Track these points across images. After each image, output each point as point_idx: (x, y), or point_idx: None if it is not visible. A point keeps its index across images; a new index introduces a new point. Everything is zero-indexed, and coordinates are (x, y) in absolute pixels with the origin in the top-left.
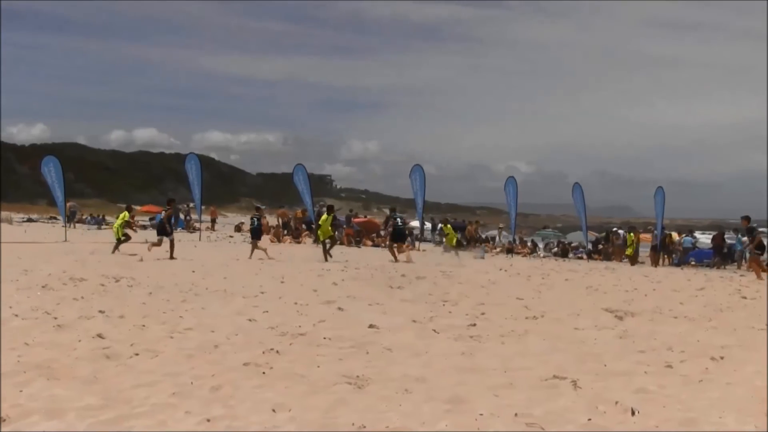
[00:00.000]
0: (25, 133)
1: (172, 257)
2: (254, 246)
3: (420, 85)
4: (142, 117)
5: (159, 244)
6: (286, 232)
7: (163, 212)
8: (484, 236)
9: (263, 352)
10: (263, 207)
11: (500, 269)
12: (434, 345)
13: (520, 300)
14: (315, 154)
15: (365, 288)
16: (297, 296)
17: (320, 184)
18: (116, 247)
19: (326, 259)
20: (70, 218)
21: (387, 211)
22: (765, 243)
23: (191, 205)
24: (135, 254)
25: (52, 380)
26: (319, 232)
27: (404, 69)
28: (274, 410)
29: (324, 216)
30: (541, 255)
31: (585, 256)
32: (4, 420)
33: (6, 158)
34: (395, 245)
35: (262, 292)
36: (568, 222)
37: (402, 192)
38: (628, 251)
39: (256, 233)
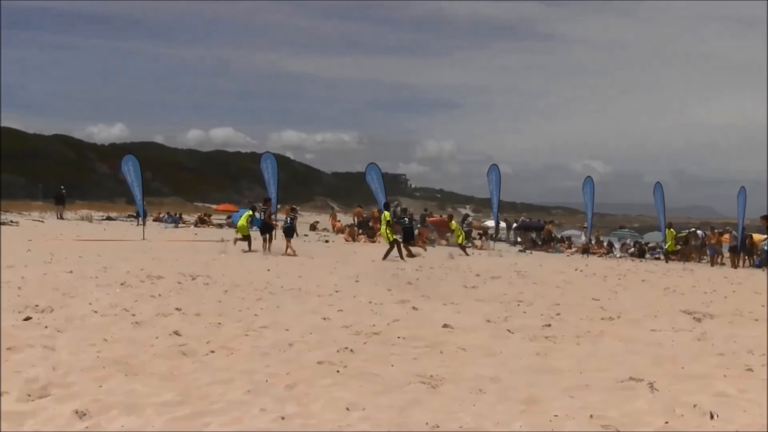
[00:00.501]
0: (105, 132)
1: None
2: (287, 244)
3: (496, 83)
4: (218, 117)
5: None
6: (360, 231)
7: (259, 212)
8: (560, 236)
9: (337, 351)
10: (335, 207)
11: (576, 269)
12: (508, 345)
13: (595, 301)
14: (390, 153)
15: (440, 287)
16: (371, 295)
17: (394, 184)
18: (249, 245)
19: (402, 258)
20: (140, 215)
21: (462, 211)
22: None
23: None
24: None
25: (130, 376)
26: (387, 231)
27: (480, 67)
28: (347, 409)
29: (385, 213)
30: (617, 255)
31: (662, 257)
32: (85, 414)
33: (87, 157)
34: (405, 244)
35: (337, 291)
36: (645, 222)
37: (476, 191)
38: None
39: (289, 232)
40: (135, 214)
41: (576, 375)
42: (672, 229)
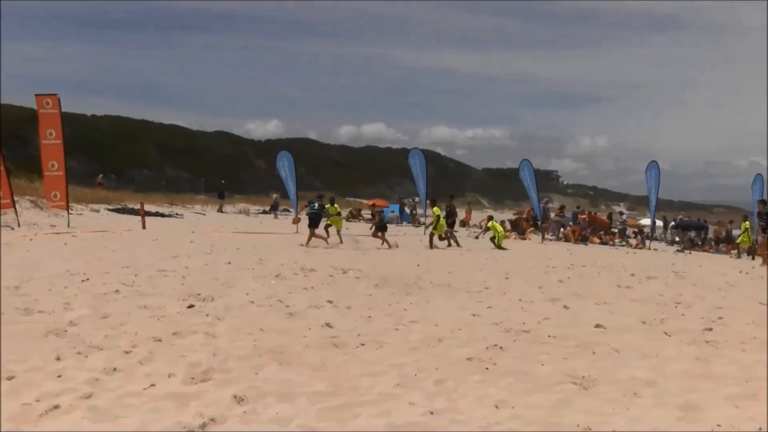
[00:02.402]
0: (262, 129)
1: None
2: (311, 234)
3: (651, 77)
4: (370, 113)
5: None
6: (510, 228)
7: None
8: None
9: (486, 348)
10: (374, 206)
11: (740, 271)
12: (665, 348)
13: (763, 305)
14: (541, 149)
15: (592, 286)
16: (521, 293)
17: (546, 180)
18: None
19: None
20: (274, 209)
21: (615, 209)
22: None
23: (416, 199)
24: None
25: (284, 365)
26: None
27: (635, 61)
28: (496, 406)
29: (435, 209)
30: None
31: None
32: (243, 399)
33: (245, 153)
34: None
35: (486, 288)
36: None
37: (631, 188)
38: None
39: (314, 221)
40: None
41: (741, 383)
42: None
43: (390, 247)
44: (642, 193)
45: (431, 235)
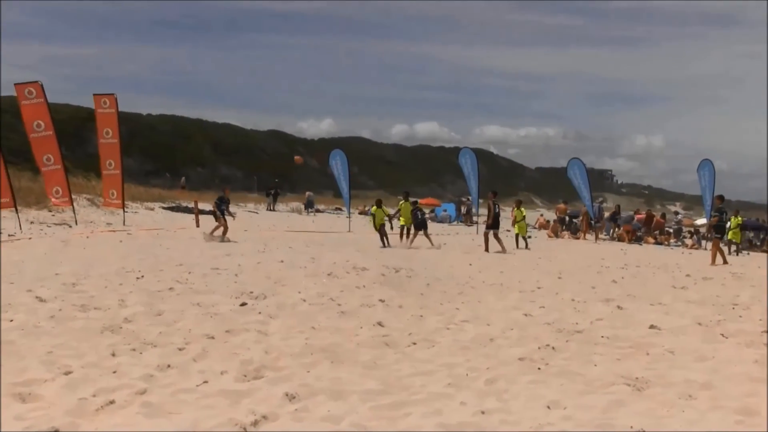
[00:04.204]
0: (315, 128)
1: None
2: (216, 227)
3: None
4: (423, 112)
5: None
6: (563, 227)
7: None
8: None
9: (539, 348)
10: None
11: None
12: (722, 350)
13: None
14: (595, 148)
15: (646, 287)
16: (574, 293)
17: (600, 180)
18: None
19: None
20: (307, 206)
21: (670, 208)
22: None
23: (469, 198)
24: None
25: (336, 363)
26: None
27: (690, 59)
28: (548, 407)
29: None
30: None
31: None
32: (294, 397)
33: (297, 152)
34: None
35: (539, 288)
36: None
37: (687, 188)
38: None
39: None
40: (342, 208)
41: None
42: None
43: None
44: (698, 192)
45: (516, 236)
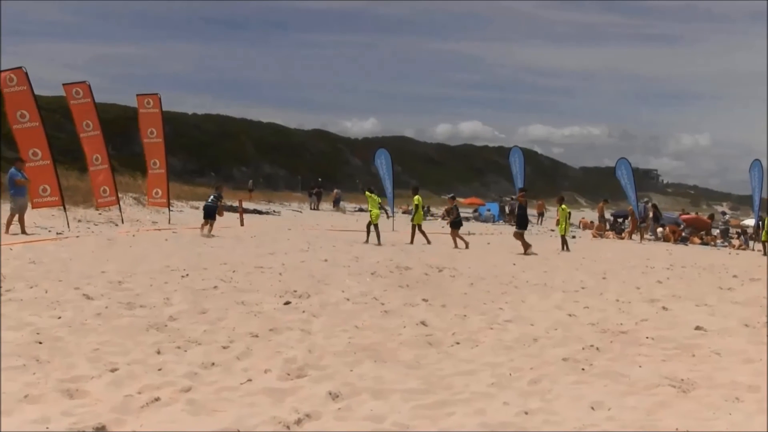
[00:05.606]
0: (358, 127)
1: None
2: (204, 225)
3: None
4: (467, 111)
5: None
6: (608, 227)
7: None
8: None
9: (582, 348)
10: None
11: None
12: None
13: None
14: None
15: (692, 288)
16: (619, 293)
17: (645, 179)
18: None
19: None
20: (336, 204)
21: (717, 208)
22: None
23: (513, 197)
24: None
25: (379, 362)
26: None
27: (737, 56)
28: (592, 408)
29: (563, 207)
30: None
31: None
32: (338, 396)
33: (341, 151)
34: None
35: (583, 288)
36: None
37: (735, 188)
38: None
39: (209, 213)
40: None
41: None
42: None
43: (458, 246)
44: (745, 192)
45: (563, 239)
